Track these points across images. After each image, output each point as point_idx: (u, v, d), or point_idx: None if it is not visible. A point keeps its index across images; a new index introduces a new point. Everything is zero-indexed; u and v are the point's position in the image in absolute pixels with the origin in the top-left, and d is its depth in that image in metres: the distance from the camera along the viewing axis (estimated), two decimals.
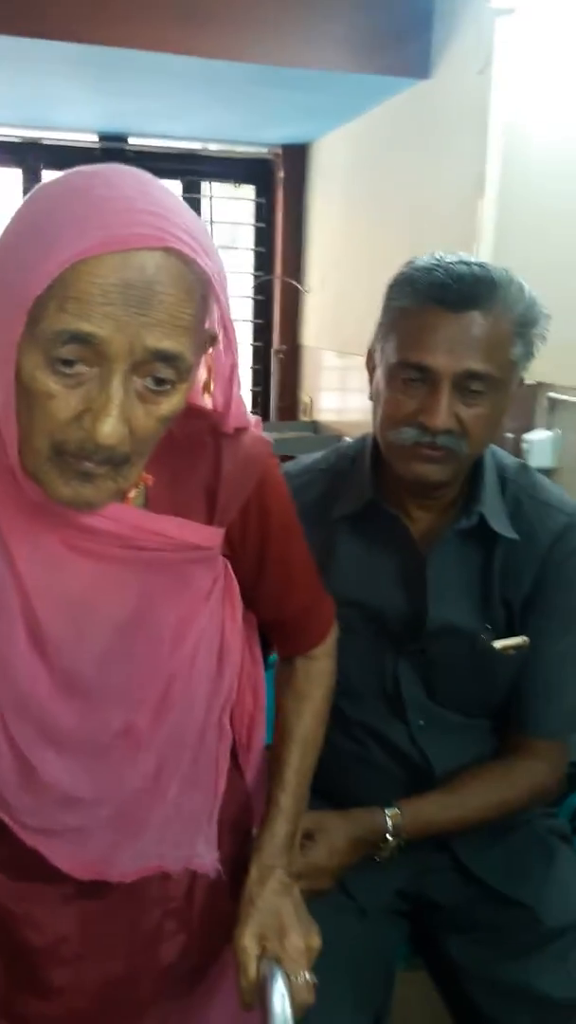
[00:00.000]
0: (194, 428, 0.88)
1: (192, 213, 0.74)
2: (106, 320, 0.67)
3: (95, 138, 4.00)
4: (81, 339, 0.67)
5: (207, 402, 0.90)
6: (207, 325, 0.77)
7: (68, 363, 0.69)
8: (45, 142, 3.96)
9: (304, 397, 4.35)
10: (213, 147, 4.19)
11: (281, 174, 4.16)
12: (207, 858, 0.95)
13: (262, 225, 4.42)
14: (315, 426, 4.07)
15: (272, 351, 4.40)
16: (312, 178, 4.12)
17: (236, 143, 4.14)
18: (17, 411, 0.72)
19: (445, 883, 1.26)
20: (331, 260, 3.91)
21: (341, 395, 3.96)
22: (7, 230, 0.74)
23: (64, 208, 0.69)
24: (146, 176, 0.73)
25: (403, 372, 1.07)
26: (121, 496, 0.80)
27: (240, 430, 0.90)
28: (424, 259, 1.10)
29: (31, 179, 3.95)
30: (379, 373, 1.14)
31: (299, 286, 4.20)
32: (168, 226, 0.69)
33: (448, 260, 1.07)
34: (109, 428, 0.69)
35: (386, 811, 1.16)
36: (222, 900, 1.00)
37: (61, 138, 3.97)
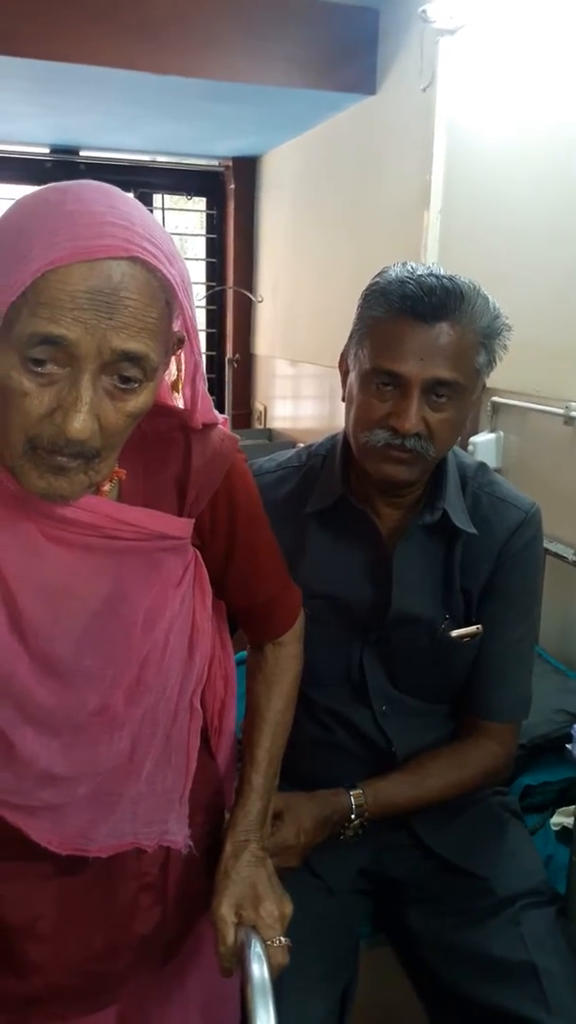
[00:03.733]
0: (165, 425, 0.93)
1: (157, 224, 0.80)
2: (75, 324, 0.73)
3: (47, 151, 4.03)
4: (52, 341, 0.73)
5: (178, 401, 0.95)
6: (176, 328, 0.83)
7: (40, 363, 0.75)
8: None
9: (258, 405, 4.41)
10: (164, 159, 4.25)
11: (232, 186, 4.23)
12: (179, 835, 1.00)
13: (213, 236, 4.48)
14: (269, 434, 4.13)
15: (226, 360, 4.46)
16: (262, 190, 4.19)
17: (187, 155, 4.20)
18: None
19: (405, 859, 1.32)
20: (281, 270, 3.99)
21: (294, 403, 4.03)
22: None
23: (37, 221, 0.75)
24: (114, 191, 0.79)
25: (376, 378, 1.13)
26: (96, 489, 0.86)
27: (208, 426, 0.95)
28: (396, 270, 1.15)
29: None
30: (352, 377, 1.19)
31: (250, 296, 4.27)
32: (133, 237, 0.75)
33: (419, 273, 1.12)
34: (79, 423, 0.75)
35: (350, 792, 1.22)
36: (195, 877, 1.05)
37: (13, 151, 4.00)
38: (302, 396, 3.92)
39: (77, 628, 0.89)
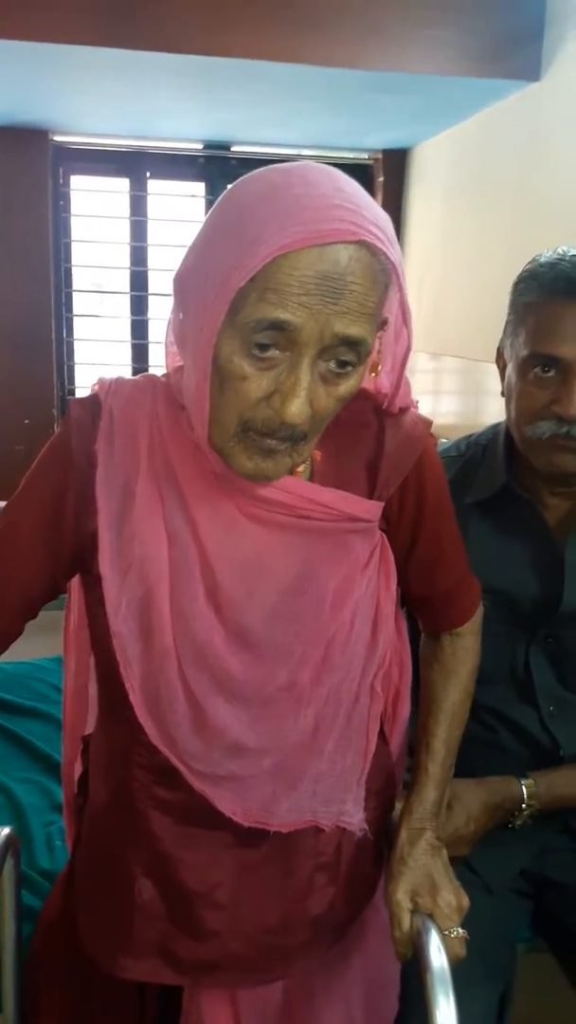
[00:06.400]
0: (359, 408, 0.93)
1: (378, 206, 0.80)
2: (301, 309, 0.74)
3: (199, 146, 4.11)
4: (278, 327, 0.74)
5: (371, 383, 0.95)
6: (389, 311, 0.83)
7: (263, 348, 0.76)
8: (150, 151, 4.10)
9: None
10: (312, 153, 4.26)
11: (380, 179, 4.21)
12: (355, 817, 1.00)
13: None
14: None
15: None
16: (412, 183, 4.15)
17: (337, 149, 4.20)
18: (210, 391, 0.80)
19: (569, 864, 1.28)
20: (430, 263, 3.93)
21: (434, 398, 3.97)
22: (208, 224, 0.81)
23: (265, 205, 0.75)
24: (337, 173, 0.80)
25: (535, 365, 1.11)
26: (292, 469, 0.87)
27: (403, 410, 0.95)
28: (548, 255, 1.13)
29: (137, 187, 4.09)
30: (510, 369, 1.17)
31: None
32: (361, 220, 0.75)
33: (572, 253, 1.10)
34: (296, 408, 0.76)
35: (521, 781, 1.19)
36: (367, 861, 1.05)
37: (166, 147, 4.10)
38: (443, 391, 3.86)
39: (269, 603, 0.91)
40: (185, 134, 3.98)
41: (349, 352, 0.77)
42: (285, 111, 3.37)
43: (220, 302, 0.75)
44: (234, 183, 0.81)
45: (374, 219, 0.76)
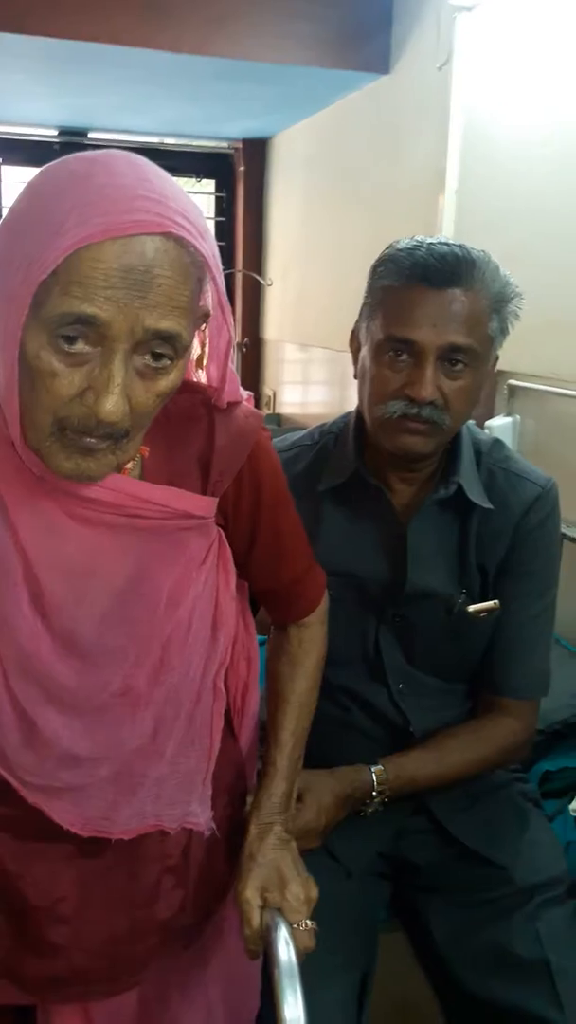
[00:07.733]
0: (188, 402, 0.91)
1: (188, 197, 0.78)
2: (108, 303, 0.71)
3: (55, 132, 3.99)
4: (84, 321, 0.71)
5: (200, 377, 0.93)
6: (205, 304, 0.81)
7: (71, 340, 0.72)
8: (3, 136, 3.95)
9: (267, 390, 4.39)
10: (173, 141, 4.21)
11: (241, 168, 4.20)
12: (202, 817, 0.99)
13: (223, 219, 4.45)
14: (278, 419, 4.11)
15: (234, 344, 4.43)
16: (272, 172, 4.16)
17: (197, 137, 4.16)
18: (20, 388, 0.76)
19: (424, 844, 1.31)
20: (292, 253, 3.95)
21: (303, 388, 4.00)
22: (10, 215, 0.77)
23: (66, 195, 0.72)
24: (144, 162, 0.77)
25: (389, 347, 1.12)
26: (119, 468, 0.84)
27: (233, 404, 0.94)
28: (406, 241, 1.15)
29: None
30: (364, 351, 1.19)
31: (260, 279, 4.24)
32: (166, 212, 0.72)
33: (430, 241, 1.12)
34: (111, 405, 0.73)
35: (371, 768, 1.21)
36: (218, 860, 1.04)
37: (21, 132, 3.96)
38: (312, 381, 3.89)
39: (100, 607, 0.88)
40: (39, 119, 3.86)
41: (164, 347, 0.75)
42: (140, 98, 3.31)
43: (23, 296, 0.71)
44: (40, 170, 0.77)
45: (181, 210, 0.74)
